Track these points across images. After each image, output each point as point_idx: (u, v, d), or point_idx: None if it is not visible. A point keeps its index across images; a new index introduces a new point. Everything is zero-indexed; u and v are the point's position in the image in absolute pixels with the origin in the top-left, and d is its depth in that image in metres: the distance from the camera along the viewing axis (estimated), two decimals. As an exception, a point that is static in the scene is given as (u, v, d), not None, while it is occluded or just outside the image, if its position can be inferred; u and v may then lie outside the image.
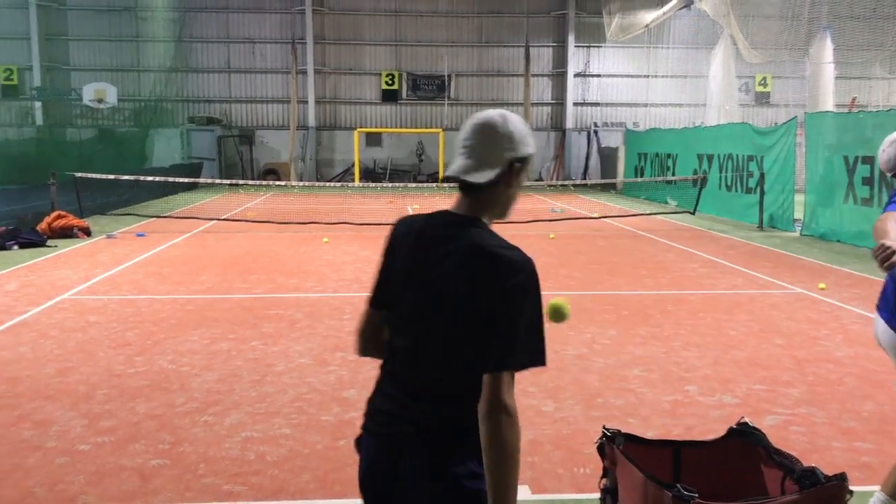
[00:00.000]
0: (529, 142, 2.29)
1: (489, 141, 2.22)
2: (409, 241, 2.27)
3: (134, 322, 8.41)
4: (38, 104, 32.58)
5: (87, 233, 15.61)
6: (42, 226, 15.08)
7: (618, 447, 2.54)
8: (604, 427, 2.63)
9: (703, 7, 23.10)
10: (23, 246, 13.78)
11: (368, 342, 2.40)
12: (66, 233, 15.20)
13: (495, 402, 2.00)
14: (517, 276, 2.10)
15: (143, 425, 5.40)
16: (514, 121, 2.26)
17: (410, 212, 16.38)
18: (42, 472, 4.65)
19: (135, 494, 4.37)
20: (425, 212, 2.36)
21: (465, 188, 2.25)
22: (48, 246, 14.11)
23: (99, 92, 31.83)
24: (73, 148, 29.46)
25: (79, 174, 18.33)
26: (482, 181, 2.19)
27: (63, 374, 6.55)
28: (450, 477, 2.09)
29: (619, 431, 2.65)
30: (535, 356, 2.09)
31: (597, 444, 2.64)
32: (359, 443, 2.33)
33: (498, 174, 2.21)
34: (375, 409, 2.28)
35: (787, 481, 2.35)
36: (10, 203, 16.61)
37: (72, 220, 15.61)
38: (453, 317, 2.11)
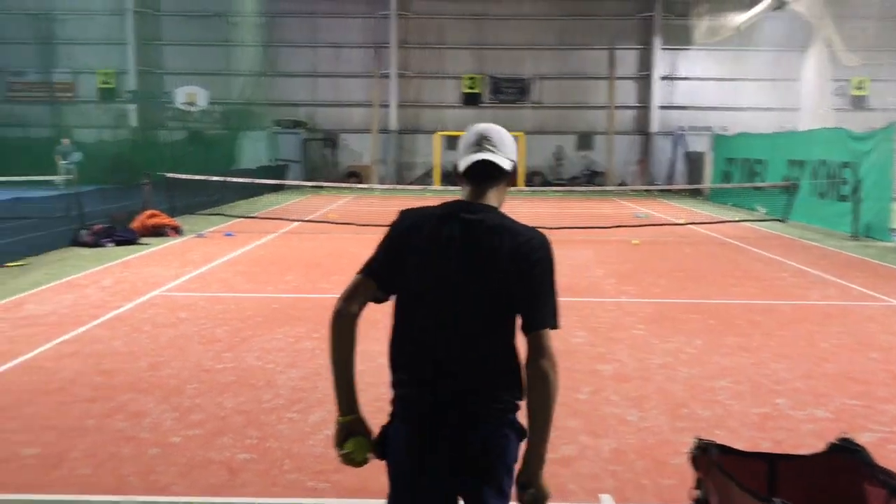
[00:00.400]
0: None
1: (505, 140, 2.63)
2: (430, 228, 2.52)
3: (222, 319, 8.64)
4: (132, 107, 33.86)
5: (178, 231, 16.12)
6: (135, 224, 15.64)
7: (712, 458, 2.47)
8: (697, 437, 2.56)
9: (797, 8, 22.39)
10: (117, 243, 14.32)
11: (347, 315, 2.55)
12: (158, 231, 15.73)
13: (547, 353, 2.42)
14: (543, 251, 2.52)
15: (230, 420, 5.54)
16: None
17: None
18: (136, 461, 4.81)
19: (223, 487, 4.48)
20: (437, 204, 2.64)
21: (481, 181, 2.60)
22: (141, 244, 14.63)
23: (190, 95, 32.92)
24: (165, 149, 30.57)
25: (170, 175, 18.96)
26: (507, 167, 2.59)
27: (155, 368, 6.77)
28: (504, 424, 2.49)
29: (713, 442, 2.58)
30: (559, 318, 2.52)
31: (690, 455, 2.57)
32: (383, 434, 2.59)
33: (511, 167, 2.62)
34: (420, 393, 2.50)
35: (892, 501, 2.24)
36: (105, 202, 17.30)
37: (163, 219, 16.14)
38: (497, 290, 2.46)
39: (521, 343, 2.55)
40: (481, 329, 2.48)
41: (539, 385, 2.42)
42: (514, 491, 2.55)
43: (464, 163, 2.58)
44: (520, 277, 2.46)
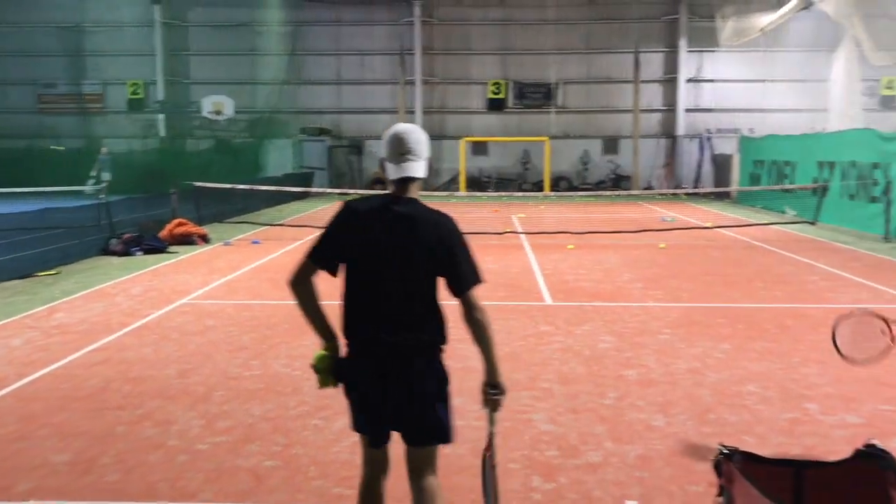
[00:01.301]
0: None
1: (421, 142, 3.41)
2: (371, 217, 3.31)
3: (250, 326, 8.71)
4: (161, 117, 34.26)
5: (206, 240, 16.27)
6: (163, 233, 15.81)
7: (735, 465, 2.45)
8: (721, 444, 2.54)
9: (825, 8, 22.12)
10: (146, 252, 14.49)
11: (302, 285, 3.40)
12: (186, 240, 15.89)
13: (476, 306, 3.31)
14: (455, 230, 3.35)
15: (257, 427, 5.58)
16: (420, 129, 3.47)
17: (515, 222, 16.26)
18: (164, 468, 4.87)
19: (249, 494, 4.52)
20: (367, 199, 3.42)
21: (404, 184, 3.37)
22: (169, 252, 14.79)
23: (217, 104, 33.24)
24: (193, 158, 30.88)
25: (198, 183, 19.14)
26: (424, 174, 3.40)
27: (183, 376, 6.84)
28: (435, 359, 3.40)
29: (737, 449, 2.55)
30: (480, 274, 3.37)
31: (713, 461, 2.55)
32: (342, 364, 3.48)
33: (426, 168, 3.42)
34: (365, 339, 3.36)
35: (921, 508, 2.21)
36: (134, 211, 17.51)
37: (191, 228, 16.31)
38: (426, 262, 3.29)
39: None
40: (413, 292, 3.31)
41: (477, 328, 3.33)
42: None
43: (391, 174, 3.36)
44: (442, 253, 3.29)
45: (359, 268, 3.35)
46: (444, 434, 3.47)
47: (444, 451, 5.08)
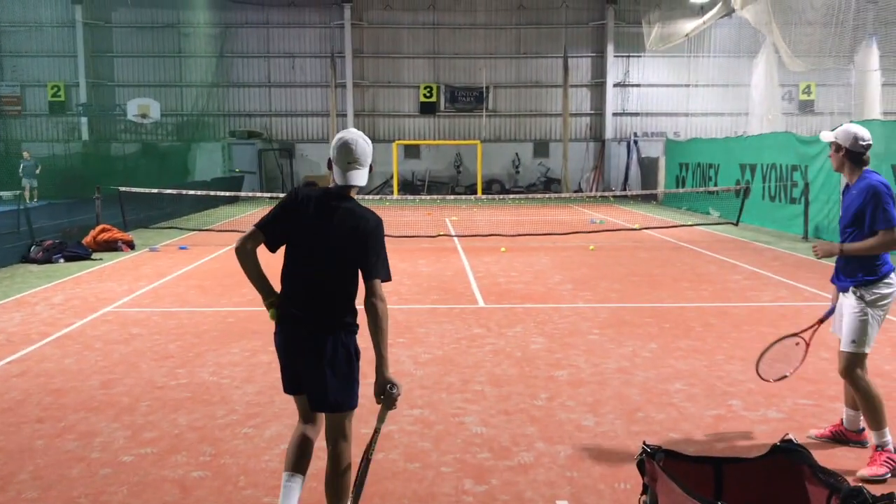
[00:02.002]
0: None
1: (366, 151, 3.84)
2: (311, 205, 3.80)
3: (176, 334, 8.52)
4: (84, 120, 33.29)
5: (131, 246, 15.87)
6: (87, 239, 15.37)
7: (658, 463, 2.49)
8: (644, 443, 2.58)
9: (745, 15, 22.80)
10: (68, 259, 14.06)
11: (247, 250, 3.82)
12: (111, 246, 15.48)
13: (378, 294, 3.67)
14: (377, 227, 3.77)
15: (184, 437, 5.46)
16: (365, 137, 3.91)
17: (449, 225, 16.30)
18: (86, 482, 4.72)
19: (176, 506, 4.41)
20: (317, 192, 3.90)
21: (347, 186, 3.84)
22: (93, 259, 14.37)
23: (142, 107, 32.48)
24: (118, 162, 30.08)
25: (123, 188, 18.66)
26: (365, 182, 3.87)
27: (107, 386, 6.65)
28: (343, 337, 3.77)
29: (660, 447, 2.60)
30: (389, 273, 3.78)
31: (636, 460, 2.59)
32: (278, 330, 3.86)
33: (367, 174, 3.90)
34: (294, 310, 3.78)
35: (833, 500, 2.28)
36: (56, 217, 16.99)
37: (116, 234, 15.88)
38: (347, 251, 3.72)
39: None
40: (333, 276, 3.75)
41: (373, 314, 3.65)
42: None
43: (337, 178, 3.85)
44: (362, 245, 3.72)
45: (294, 248, 3.83)
46: (340, 405, 3.81)
47: (374, 456, 5.06)
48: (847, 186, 5.16)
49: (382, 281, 3.71)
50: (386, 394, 3.69)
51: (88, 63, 33.58)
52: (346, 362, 3.76)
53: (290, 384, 3.92)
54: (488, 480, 4.73)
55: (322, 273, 3.75)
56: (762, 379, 5.38)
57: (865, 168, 5.07)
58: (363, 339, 3.76)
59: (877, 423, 4.82)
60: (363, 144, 3.83)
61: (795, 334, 5.36)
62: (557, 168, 34.76)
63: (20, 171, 26.46)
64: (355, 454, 3.92)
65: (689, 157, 26.65)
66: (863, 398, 4.87)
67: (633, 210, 26.29)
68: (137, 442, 5.37)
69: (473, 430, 5.58)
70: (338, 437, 3.85)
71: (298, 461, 3.90)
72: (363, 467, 3.81)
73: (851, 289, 4.97)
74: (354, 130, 3.91)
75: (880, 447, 4.81)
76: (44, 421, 5.80)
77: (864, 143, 4.99)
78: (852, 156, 5.00)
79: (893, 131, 15.04)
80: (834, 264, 5.26)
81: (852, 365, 4.89)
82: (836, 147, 5.06)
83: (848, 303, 5.00)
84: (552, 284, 11.63)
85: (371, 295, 3.67)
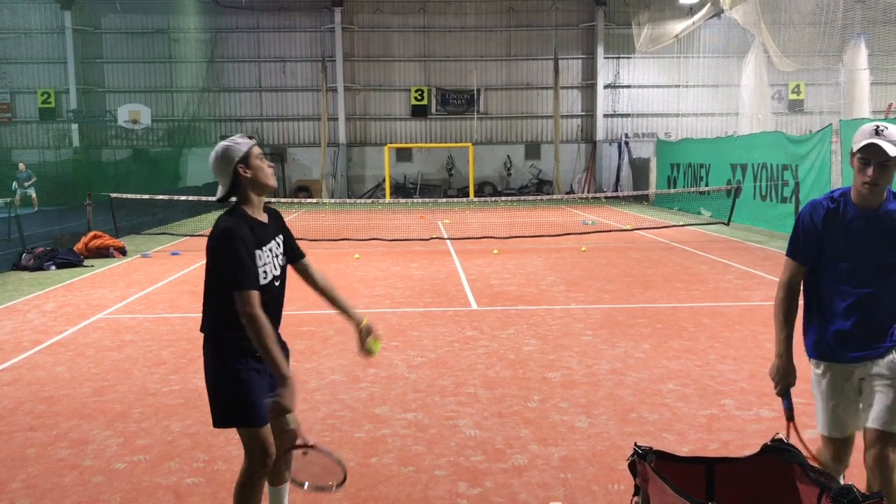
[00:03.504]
0: (238, 149, 3.64)
1: (214, 167, 3.66)
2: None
3: (169, 340, 8.50)
4: (74, 126, 33.18)
5: (123, 252, 15.84)
6: (79, 246, 15.32)
7: (649, 464, 2.50)
8: (636, 444, 2.59)
9: (734, 16, 22.89)
10: (60, 266, 14.01)
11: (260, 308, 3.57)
12: (103, 252, 15.43)
13: (241, 310, 3.44)
14: (216, 237, 3.53)
15: (177, 444, 5.45)
16: (220, 147, 3.67)
17: (441, 228, 16.28)
18: (79, 490, 4.70)
19: (169, 513, 4.40)
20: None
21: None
22: (85, 266, 14.33)
23: (133, 113, 32.40)
24: (109, 169, 30.00)
25: (114, 195, 18.62)
26: (223, 194, 3.70)
27: (99, 394, 6.63)
28: (206, 355, 3.72)
29: (651, 448, 2.61)
30: (236, 281, 3.46)
31: (628, 462, 2.60)
32: None
33: (228, 184, 3.66)
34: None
35: (824, 499, 2.29)
36: (47, 224, 16.93)
37: (107, 240, 15.84)
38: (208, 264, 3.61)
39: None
40: (207, 286, 3.65)
41: (247, 329, 3.44)
42: None
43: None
44: (209, 258, 3.59)
45: None
46: (213, 417, 3.69)
47: (367, 461, 5.07)
48: (866, 208, 3.51)
49: (236, 290, 3.45)
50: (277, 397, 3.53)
51: (78, 69, 33.48)
52: (209, 373, 3.67)
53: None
54: (482, 483, 4.73)
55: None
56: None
57: None
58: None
59: None
60: (213, 162, 3.67)
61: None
62: (549, 170, 34.82)
63: (15, 183, 26.39)
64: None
65: (680, 157, 26.73)
66: None
67: (625, 211, 26.34)
68: (130, 449, 5.35)
69: (467, 432, 5.58)
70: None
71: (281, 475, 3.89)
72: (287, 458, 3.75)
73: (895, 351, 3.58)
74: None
75: None
76: (36, 429, 5.78)
77: None
78: None
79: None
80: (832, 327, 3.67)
81: (890, 448, 3.48)
82: None
83: (885, 371, 3.54)
84: (545, 286, 11.65)
85: (238, 308, 3.47)
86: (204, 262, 3.71)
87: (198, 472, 4.94)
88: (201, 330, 3.72)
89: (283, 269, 3.83)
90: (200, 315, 3.75)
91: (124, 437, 5.59)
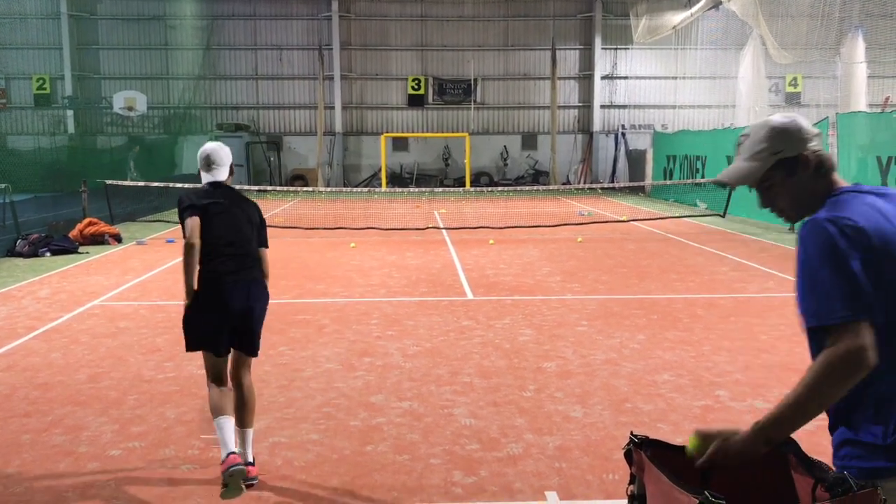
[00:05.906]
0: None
1: (223, 157, 4.91)
2: (213, 200, 4.74)
3: (164, 327, 8.49)
4: (69, 113, 33.03)
5: (118, 239, 15.80)
6: (74, 233, 15.28)
7: (645, 453, 2.51)
8: (631, 433, 2.60)
9: (732, 7, 22.86)
10: (55, 253, 13.97)
11: (196, 241, 4.56)
12: (98, 239, 15.40)
13: (265, 261, 4.90)
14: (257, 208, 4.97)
15: (172, 430, 5.45)
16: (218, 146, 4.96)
17: (437, 217, 16.25)
18: (74, 477, 4.70)
19: (164, 499, 4.41)
20: None
21: (217, 185, 4.85)
22: (80, 253, 14.30)
23: (129, 100, 32.22)
24: (104, 155, 29.86)
25: (109, 181, 18.56)
26: (226, 178, 4.92)
27: (94, 380, 6.62)
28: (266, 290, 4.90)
29: (647, 437, 2.62)
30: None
31: (624, 450, 2.61)
32: (221, 288, 4.64)
33: (230, 172, 4.96)
34: (226, 270, 4.62)
35: (819, 489, 2.30)
36: (42, 211, 16.87)
37: (103, 227, 15.81)
38: (252, 227, 4.84)
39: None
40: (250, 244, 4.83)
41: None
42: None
43: (204, 180, 4.87)
44: (256, 219, 4.89)
45: (211, 230, 4.78)
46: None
47: (363, 449, 5.08)
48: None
49: (266, 248, 5.00)
50: None
51: (74, 55, 33.32)
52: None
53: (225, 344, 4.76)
54: (477, 472, 4.74)
55: (244, 246, 4.85)
56: None
57: None
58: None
59: None
60: (220, 152, 4.93)
61: None
62: (545, 160, 34.80)
63: None
64: None
65: (677, 149, 26.72)
66: None
67: (621, 202, 26.35)
68: (125, 436, 5.35)
69: (462, 421, 5.59)
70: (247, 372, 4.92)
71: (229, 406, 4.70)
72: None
73: None
74: (212, 143, 5.00)
75: None
76: (30, 415, 5.78)
77: None
78: None
79: (879, 123, 15.13)
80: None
81: None
82: None
83: None
84: (540, 276, 11.65)
85: (264, 255, 5.02)
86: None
87: (193, 459, 4.94)
88: (255, 271, 4.83)
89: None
90: None
91: (119, 423, 5.59)
